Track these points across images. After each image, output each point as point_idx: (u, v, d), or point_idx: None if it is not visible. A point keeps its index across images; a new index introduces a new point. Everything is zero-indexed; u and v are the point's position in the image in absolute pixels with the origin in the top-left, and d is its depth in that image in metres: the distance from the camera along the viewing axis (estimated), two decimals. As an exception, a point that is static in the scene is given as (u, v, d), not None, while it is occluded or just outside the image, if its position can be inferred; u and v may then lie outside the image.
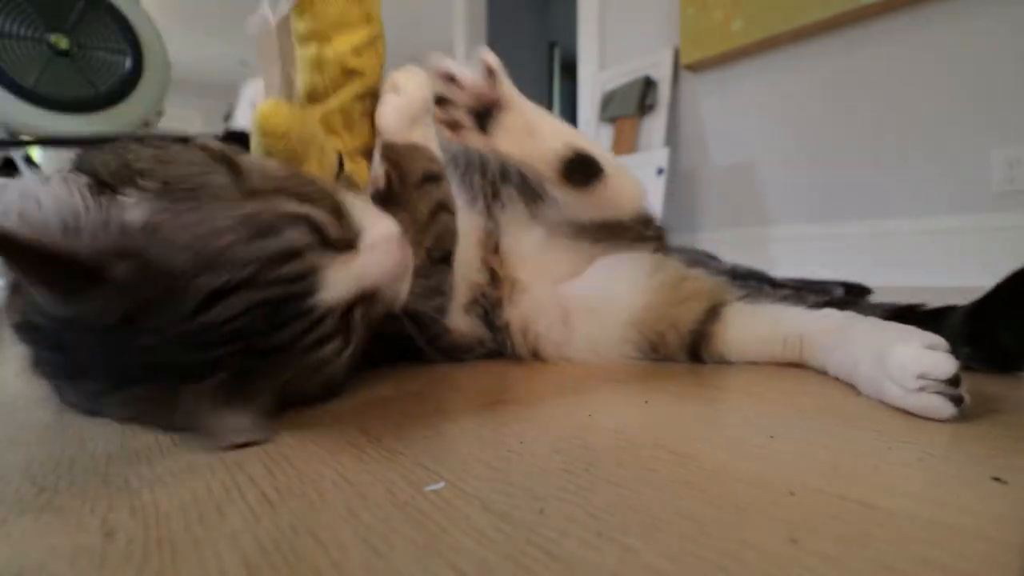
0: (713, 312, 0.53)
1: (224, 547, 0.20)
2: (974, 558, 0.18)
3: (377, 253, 0.37)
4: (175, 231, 0.30)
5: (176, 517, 0.23)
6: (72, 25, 1.55)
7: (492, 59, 0.51)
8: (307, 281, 0.33)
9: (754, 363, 0.52)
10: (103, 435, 0.35)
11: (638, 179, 0.56)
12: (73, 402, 0.37)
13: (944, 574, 0.17)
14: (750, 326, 0.51)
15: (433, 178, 0.51)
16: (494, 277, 0.57)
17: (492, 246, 0.57)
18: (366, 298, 0.37)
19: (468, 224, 0.55)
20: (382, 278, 0.37)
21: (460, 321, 0.55)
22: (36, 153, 1.81)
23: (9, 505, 0.25)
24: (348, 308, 0.36)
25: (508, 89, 0.52)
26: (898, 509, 0.21)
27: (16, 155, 1.72)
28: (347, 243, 0.36)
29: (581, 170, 0.52)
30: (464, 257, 0.54)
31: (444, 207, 0.51)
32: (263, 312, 0.31)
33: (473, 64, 0.52)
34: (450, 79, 0.51)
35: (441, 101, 0.52)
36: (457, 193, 0.56)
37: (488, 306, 0.56)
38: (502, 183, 0.59)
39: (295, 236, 0.33)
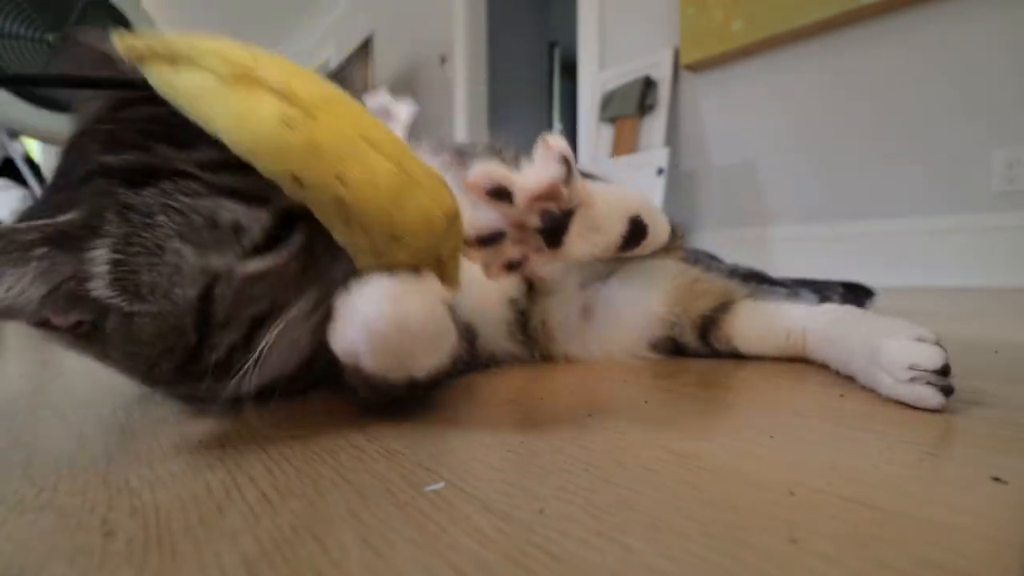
0: (723, 306, 0.55)
1: (224, 547, 0.20)
2: (974, 558, 0.18)
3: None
4: None
5: (176, 517, 0.23)
6: (72, 25, 1.56)
7: (564, 146, 0.36)
8: None
9: (760, 356, 0.53)
10: (103, 435, 0.35)
11: (665, 218, 0.51)
12: None
13: (944, 574, 0.17)
14: (756, 318, 0.53)
15: None
16: (530, 287, 0.56)
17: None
18: (307, 225, 0.33)
19: None
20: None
21: (503, 344, 0.54)
22: (36, 153, 1.81)
23: (9, 505, 0.25)
24: (288, 214, 0.33)
25: (579, 185, 0.39)
26: (898, 509, 0.21)
27: (16, 155, 1.72)
28: None
29: (632, 239, 0.46)
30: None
31: None
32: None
33: (542, 157, 0.36)
34: (498, 193, 0.34)
35: (488, 239, 0.37)
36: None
37: (524, 322, 0.55)
38: None
39: None
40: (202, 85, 0.29)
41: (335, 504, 0.23)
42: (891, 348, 0.36)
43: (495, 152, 0.62)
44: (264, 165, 0.29)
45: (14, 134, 1.74)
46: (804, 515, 0.21)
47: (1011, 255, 1.52)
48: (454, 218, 0.33)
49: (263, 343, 0.34)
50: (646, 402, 0.40)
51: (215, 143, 0.29)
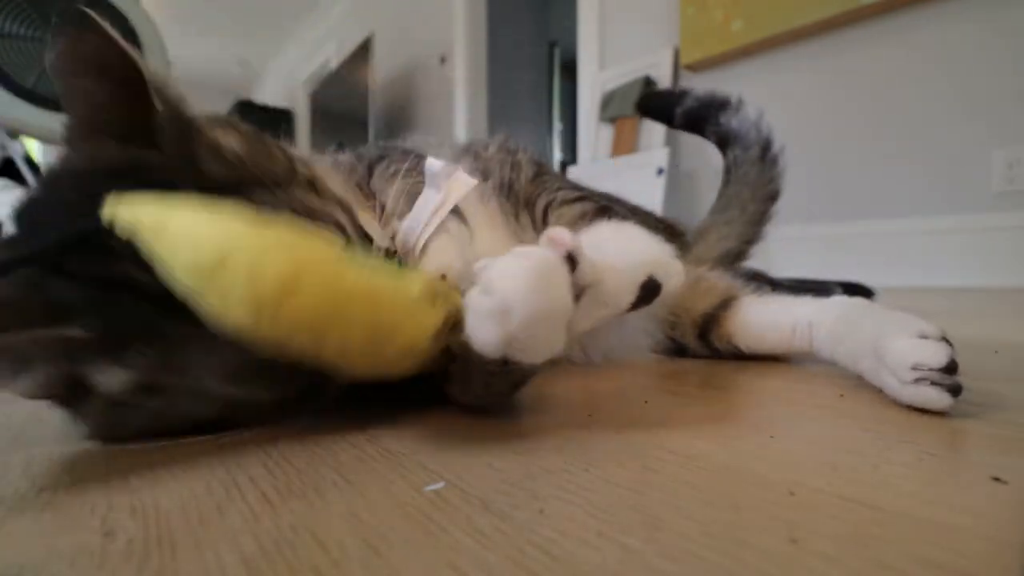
0: (725, 304, 0.54)
1: (224, 547, 0.20)
2: (974, 558, 0.18)
3: None
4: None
5: (176, 517, 0.23)
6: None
7: (570, 241, 0.36)
8: None
9: (763, 355, 0.52)
10: (103, 435, 0.35)
11: (681, 269, 0.48)
12: None
13: (944, 574, 0.17)
14: (759, 314, 0.52)
15: None
16: None
17: None
18: None
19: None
20: None
21: None
22: (36, 153, 1.81)
23: (9, 505, 0.25)
24: None
25: (587, 268, 0.38)
26: (898, 509, 0.21)
27: (16, 155, 1.72)
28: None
29: (643, 300, 0.44)
30: None
31: None
32: None
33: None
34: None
35: None
36: (498, 213, 0.54)
37: None
38: (524, 208, 0.58)
39: None
40: (187, 274, 0.27)
41: (335, 504, 0.23)
42: (894, 348, 0.35)
43: (508, 153, 0.62)
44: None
45: (14, 134, 1.74)
46: (804, 515, 0.21)
47: (1011, 255, 1.52)
48: (440, 331, 0.32)
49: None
50: (646, 402, 0.40)
51: None
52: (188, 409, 0.32)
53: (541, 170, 0.64)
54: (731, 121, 0.86)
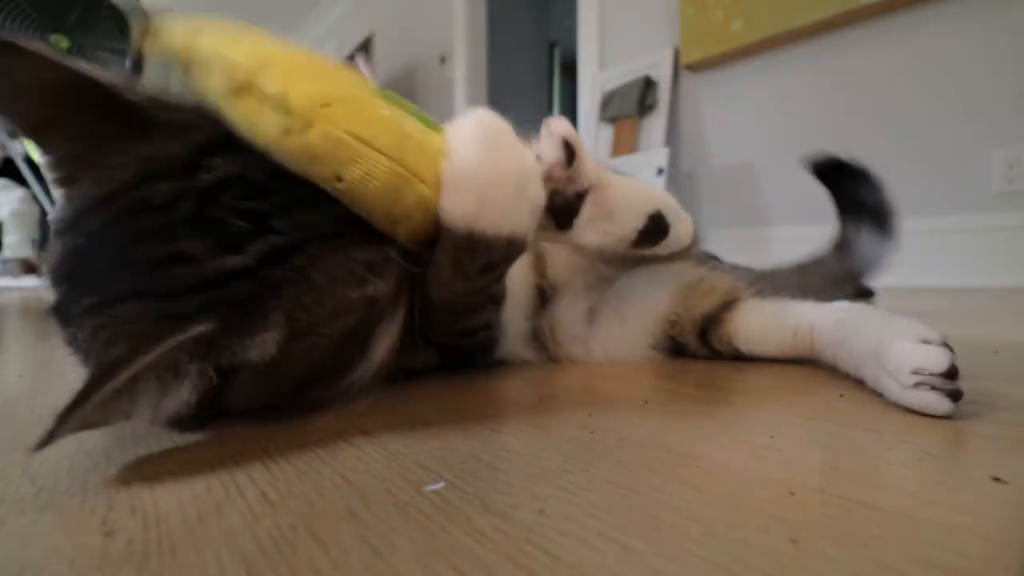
0: (727, 305, 0.54)
1: (224, 547, 0.20)
2: (974, 558, 0.18)
3: None
4: None
5: (176, 517, 0.23)
6: (72, 25, 1.56)
7: (566, 129, 0.37)
8: None
9: (763, 357, 0.52)
10: (103, 435, 0.35)
11: (690, 219, 0.50)
12: (71, 334, 0.32)
13: (944, 574, 0.17)
14: (761, 316, 0.52)
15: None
16: (543, 296, 0.55)
17: (542, 269, 0.56)
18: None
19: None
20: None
21: (519, 351, 0.54)
22: (36, 152, 1.80)
23: (9, 505, 0.25)
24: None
25: (591, 168, 0.39)
26: (898, 509, 0.21)
27: (16, 155, 1.72)
28: None
29: (650, 235, 0.45)
30: (518, 289, 0.51)
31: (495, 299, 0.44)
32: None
33: (544, 139, 0.38)
34: None
35: None
36: None
37: (536, 330, 0.55)
38: None
39: None
40: (218, 94, 0.30)
41: (335, 504, 0.23)
42: (895, 352, 0.35)
43: None
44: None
45: (14, 134, 1.74)
46: (804, 515, 0.21)
47: (1011, 255, 1.52)
48: None
49: (380, 349, 0.37)
50: (646, 402, 0.40)
51: (306, 201, 0.31)
52: (339, 325, 0.33)
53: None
54: (866, 240, 0.86)
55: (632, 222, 0.43)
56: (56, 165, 0.32)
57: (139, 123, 0.31)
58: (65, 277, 0.31)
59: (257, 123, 0.29)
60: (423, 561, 0.19)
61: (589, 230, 0.40)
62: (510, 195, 0.33)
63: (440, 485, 0.25)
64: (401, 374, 0.44)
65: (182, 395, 0.29)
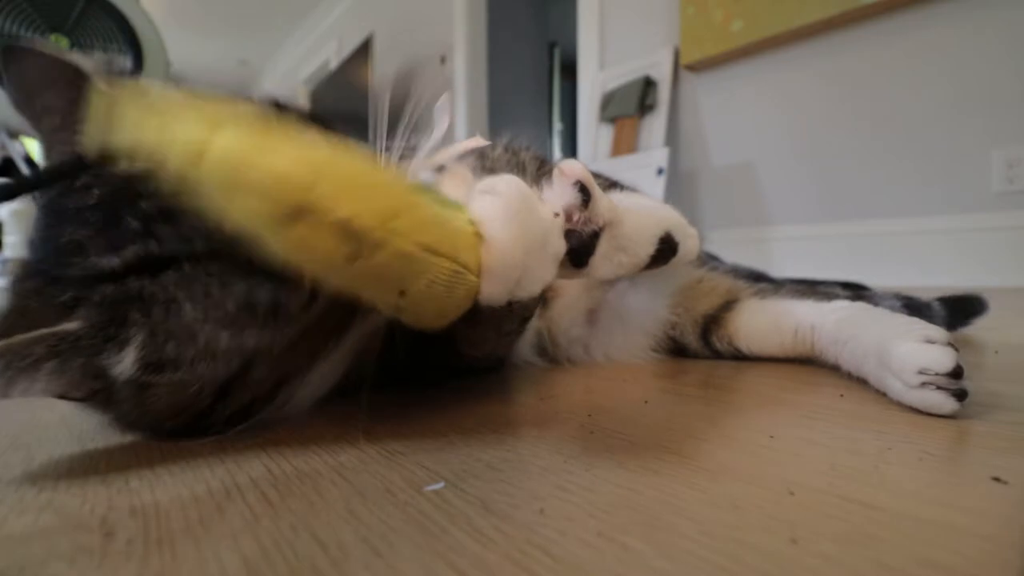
0: (727, 305, 0.54)
1: (224, 547, 0.20)
2: (974, 558, 0.18)
3: None
4: None
5: (176, 517, 0.23)
6: (72, 25, 1.56)
7: (580, 171, 0.37)
8: None
9: (764, 357, 0.52)
10: (103, 435, 0.35)
11: (696, 233, 0.50)
12: None
13: (944, 574, 0.17)
14: (761, 316, 0.52)
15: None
16: (542, 297, 0.55)
17: None
18: None
19: None
20: None
21: (523, 355, 0.54)
22: (36, 153, 1.80)
23: (9, 505, 0.25)
24: None
25: (604, 204, 0.39)
26: (898, 509, 0.21)
27: (16, 155, 1.72)
28: None
29: (662, 257, 0.44)
30: None
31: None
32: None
33: (557, 184, 0.38)
34: None
35: None
36: None
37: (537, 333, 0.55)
38: None
39: None
40: (257, 219, 0.25)
41: (335, 504, 0.23)
42: (900, 352, 0.35)
43: (512, 153, 0.62)
44: (329, 288, 0.28)
45: (14, 134, 1.74)
46: (804, 515, 0.21)
47: (1011, 255, 1.52)
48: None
49: (297, 391, 0.34)
50: (646, 402, 0.40)
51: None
52: (209, 372, 0.30)
53: (544, 165, 0.64)
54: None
55: (645, 249, 0.43)
56: (40, 141, 0.33)
57: None
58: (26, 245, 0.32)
59: (315, 249, 0.25)
60: (423, 561, 0.19)
61: (604, 264, 0.41)
62: (541, 261, 0.33)
63: (440, 485, 0.25)
64: (405, 380, 0.44)
65: (41, 386, 0.28)
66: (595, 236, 0.39)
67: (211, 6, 4.42)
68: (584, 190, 0.37)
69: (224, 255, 0.28)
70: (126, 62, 1.61)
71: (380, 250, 0.26)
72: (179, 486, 0.26)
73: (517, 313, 0.35)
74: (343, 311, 0.32)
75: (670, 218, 0.46)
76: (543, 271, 0.34)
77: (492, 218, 0.31)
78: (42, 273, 0.29)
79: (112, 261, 0.28)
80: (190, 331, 0.28)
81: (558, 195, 0.38)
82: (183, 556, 0.19)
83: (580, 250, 0.39)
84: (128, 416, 0.32)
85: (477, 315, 0.32)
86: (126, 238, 0.28)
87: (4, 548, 0.21)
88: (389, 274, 0.27)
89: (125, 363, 0.29)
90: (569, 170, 0.37)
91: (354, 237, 0.25)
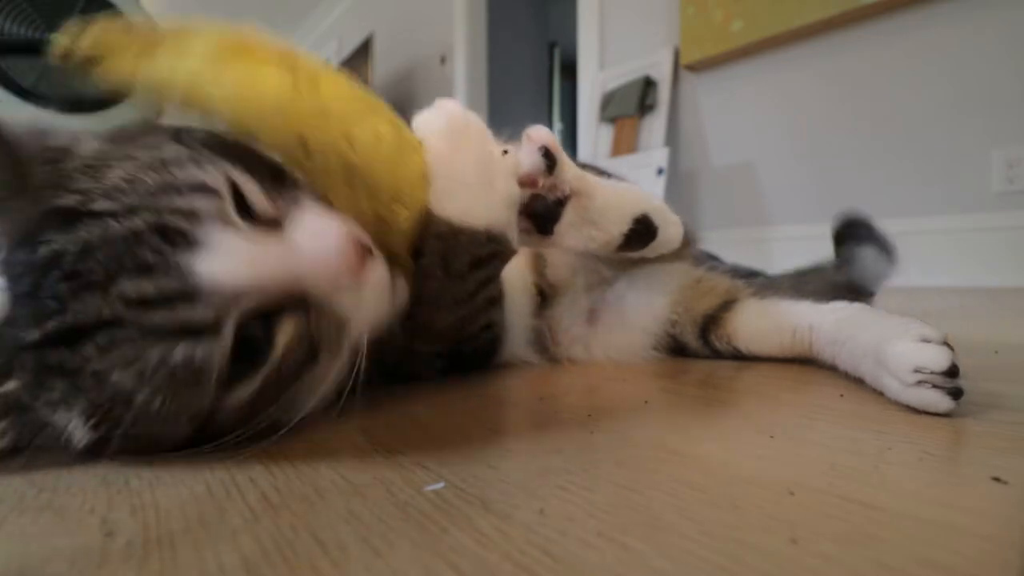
0: (726, 305, 0.54)
1: (224, 547, 0.20)
2: (974, 558, 0.18)
3: (316, 241, 0.29)
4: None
5: (176, 517, 0.23)
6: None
7: (546, 136, 0.38)
8: (190, 233, 0.27)
9: (762, 356, 0.52)
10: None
11: (679, 220, 0.50)
12: None
13: (944, 574, 0.17)
14: (760, 316, 0.52)
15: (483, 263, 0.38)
16: (542, 296, 0.55)
17: (540, 269, 0.56)
18: (294, 305, 0.29)
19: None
20: (314, 276, 0.29)
21: (520, 352, 0.54)
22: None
23: (9, 505, 0.25)
24: (264, 314, 0.29)
25: (572, 172, 0.39)
26: (898, 509, 0.21)
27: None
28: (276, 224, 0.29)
29: (637, 238, 0.45)
30: (517, 289, 0.50)
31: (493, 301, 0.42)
32: (118, 251, 0.26)
33: (524, 147, 0.38)
34: None
35: None
36: None
37: (536, 330, 0.55)
38: None
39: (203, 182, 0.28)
40: (193, 69, 0.29)
41: (335, 504, 0.23)
42: (896, 351, 0.35)
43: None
44: (272, 134, 0.29)
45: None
46: (804, 515, 0.21)
47: (1011, 255, 1.52)
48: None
49: (279, 416, 0.31)
50: (646, 402, 0.40)
51: (140, 271, 0.26)
52: (168, 429, 0.29)
53: None
54: (868, 257, 0.86)
55: (617, 227, 0.43)
56: None
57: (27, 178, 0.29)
58: None
59: (258, 83, 0.29)
60: (423, 561, 0.19)
61: (573, 235, 0.41)
62: (479, 186, 0.34)
63: (440, 485, 0.25)
64: (402, 378, 0.44)
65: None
66: (560, 203, 0.39)
67: (211, 6, 4.42)
68: (549, 155, 0.37)
69: (129, 322, 0.26)
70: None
71: (318, 85, 0.29)
72: (179, 486, 0.26)
73: (464, 245, 0.34)
74: (302, 352, 0.31)
75: (648, 202, 0.45)
76: (488, 204, 0.34)
77: (433, 130, 0.33)
78: None
79: (32, 334, 0.27)
80: (125, 398, 0.27)
81: (524, 157, 0.38)
82: (183, 556, 0.19)
83: (545, 215, 0.39)
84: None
85: (426, 240, 0.33)
86: (46, 312, 0.27)
87: (4, 548, 0.21)
88: (332, 112, 0.29)
89: (77, 429, 0.28)
90: (536, 135, 0.37)
91: (294, 68, 0.29)
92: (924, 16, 1.65)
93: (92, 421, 0.28)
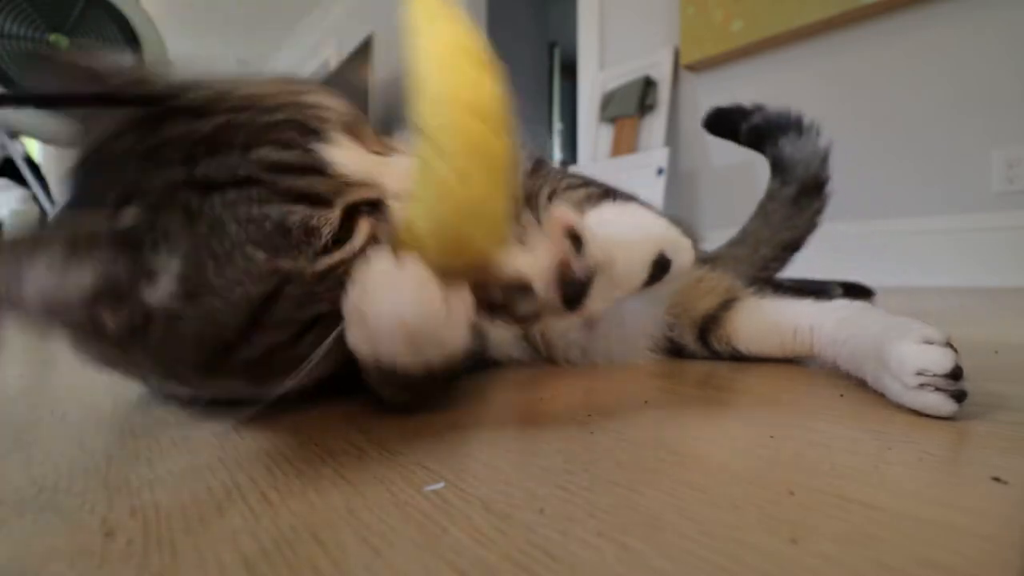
0: (726, 304, 0.53)
1: (224, 547, 0.20)
2: (974, 558, 0.18)
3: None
4: None
5: (176, 517, 0.23)
6: (72, 25, 1.56)
7: (569, 219, 0.36)
8: (322, 130, 0.33)
9: (762, 357, 0.52)
10: (103, 435, 0.35)
11: (689, 245, 0.47)
12: None
13: (944, 574, 0.17)
14: (760, 315, 0.52)
15: None
16: None
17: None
18: (374, 207, 0.34)
19: None
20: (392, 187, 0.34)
21: (507, 351, 0.54)
22: (36, 153, 1.81)
23: (9, 505, 0.25)
24: (351, 210, 0.34)
25: (596, 247, 0.38)
26: (898, 509, 0.21)
27: (16, 155, 1.72)
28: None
29: (653, 279, 0.43)
30: None
31: None
32: (260, 129, 0.32)
33: (551, 234, 0.37)
34: (517, 288, 0.36)
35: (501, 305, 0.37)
36: None
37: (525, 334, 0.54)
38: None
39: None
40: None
41: (335, 504, 0.23)
42: (898, 353, 0.35)
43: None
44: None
45: (14, 134, 1.74)
46: (804, 515, 0.21)
47: (1011, 255, 1.52)
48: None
49: (324, 344, 0.33)
50: (646, 402, 0.40)
51: (279, 145, 0.32)
52: (237, 296, 0.31)
53: (539, 165, 0.62)
54: (786, 147, 0.80)
55: (638, 278, 0.42)
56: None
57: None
58: None
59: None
60: (423, 561, 0.19)
61: (598, 303, 0.40)
62: (411, 341, 0.33)
63: (440, 485, 0.25)
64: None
65: (88, 281, 0.30)
66: (588, 281, 0.38)
67: (211, 5, 4.42)
68: (575, 236, 0.37)
69: (264, 182, 0.31)
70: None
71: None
72: (179, 486, 0.26)
73: (399, 377, 0.34)
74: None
75: (662, 237, 0.44)
76: (416, 351, 0.33)
77: (371, 280, 0.32)
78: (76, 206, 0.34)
79: (178, 173, 0.31)
80: (228, 252, 0.31)
81: (552, 246, 0.37)
82: (183, 556, 0.19)
83: (574, 296, 0.38)
84: (152, 352, 0.32)
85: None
86: (174, 161, 0.32)
87: (4, 548, 0.21)
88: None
89: (162, 273, 0.30)
90: (560, 217, 0.37)
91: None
92: (924, 16, 1.65)
93: (182, 267, 0.31)
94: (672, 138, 2.22)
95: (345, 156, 0.33)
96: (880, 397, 0.37)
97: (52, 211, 1.83)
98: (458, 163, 0.29)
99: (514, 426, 0.34)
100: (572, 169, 2.55)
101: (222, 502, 0.24)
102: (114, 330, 0.31)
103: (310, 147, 0.33)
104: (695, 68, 2.18)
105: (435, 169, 0.30)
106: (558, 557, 0.19)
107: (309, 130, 0.33)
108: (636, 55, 2.40)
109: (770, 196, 0.84)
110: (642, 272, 0.42)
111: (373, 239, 0.34)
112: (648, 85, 2.28)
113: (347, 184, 0.33)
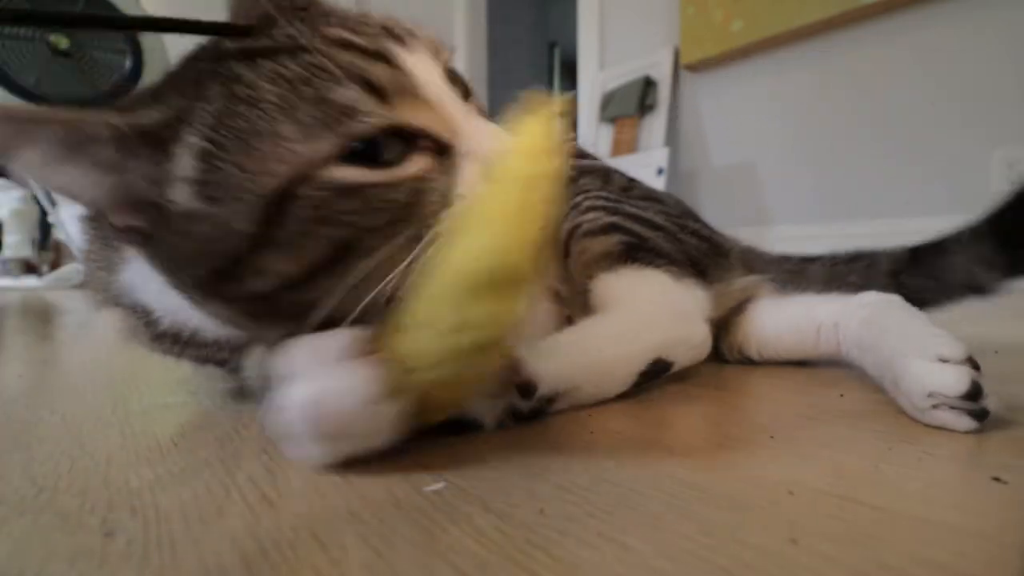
0: (740, 307, 0.52)
1: (224, 547, 0.20)
2: (974, 558, 0.18)
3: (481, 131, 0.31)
4: None
5: (176, 517, 0.23)
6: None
7: (521, 372, 0.34)
8: (405, 39, 0.32)
9: (779, 360, 0.50)
10: (103, 435, 0.35)
11: (699, 337, 0.45)
12: None
13: (944, 574, 0.17)
14: (778, 317, 0.49)
15: None
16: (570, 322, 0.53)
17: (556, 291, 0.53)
18: (441, 153, 0.30)
19: None
20: (467, 135, 0.31)
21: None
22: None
23: (9, 505, 0.25)
24: (411, 136, 0.30)
25: (553, 378, 0.36)
26: (898, 509, 0.21)
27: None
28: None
29: (644, 382, 0.41)
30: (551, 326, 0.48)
31: None
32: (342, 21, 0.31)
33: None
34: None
35: None
36: None
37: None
38: None
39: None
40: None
41: (335, 504, 0.23)
42: (910, 372, 0.33)
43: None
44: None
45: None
46: (804, 515, 0.21)
47: (1011, 255, 1.51)
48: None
49: (349, 281, 0.28)
50: (646, 402, 0.40)
51: (353, 30, 0.30)
52: (257, 187, 0.27)
53: (579, 173, 0.58)
54: None
55: (617, 390, 0.40)
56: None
57: None
58: None
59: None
60: (423, 561, 0.19)
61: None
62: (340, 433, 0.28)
63: (440, 485, 0.25)
64: None
65: (82, 180, 0.28)
66: (538, 413, 0.35)
67: (212, 6, 4.42)
68: (525, 385, 0.34)
69: (323, 52, 0.28)
70: (126, 62, 1.61)
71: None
72: (179, 486, 0.26)
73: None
74: (413, 207, 0.29)
75: (664, 338, 0.42)
76: (344, 442, 0.28)
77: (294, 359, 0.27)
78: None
79: (218, 51, 0.30)
80: (256, 128, 0.27)
81: (500, 391, 0.34)
82: (183, 556, 0.19)
83: (527, 417, 0.35)
84: (168, 251, 0.30)
85: None
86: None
87: (4, 548, 0.21)
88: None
89: (183, 165, 0.28)
90: (512, 368, 0.34)
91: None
92: (924, 16, 1.65)
93: (205, 147, 0.28)
94: (672, 138, 2.22)
95: (425, 71, 0.31)
96: (881, 397, 0.37)
97: (52, 211, 1.83)
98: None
99: (514, 426, 0.34)
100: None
101: (222, 502, 0.24)
102: (120, 230, 0.30)
103: (381, 41, 0.30)
104: (695, 68, 2.18)
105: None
106: (558, 557, 0.19)
107: (394, 35, 0.31)
108: (636, 55, 2.40)
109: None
110: (623, 385, 0.40)
111: (424, 182, 0.29)
112: (648, 85, 2.28)
113: (415, 96, 0.29)
